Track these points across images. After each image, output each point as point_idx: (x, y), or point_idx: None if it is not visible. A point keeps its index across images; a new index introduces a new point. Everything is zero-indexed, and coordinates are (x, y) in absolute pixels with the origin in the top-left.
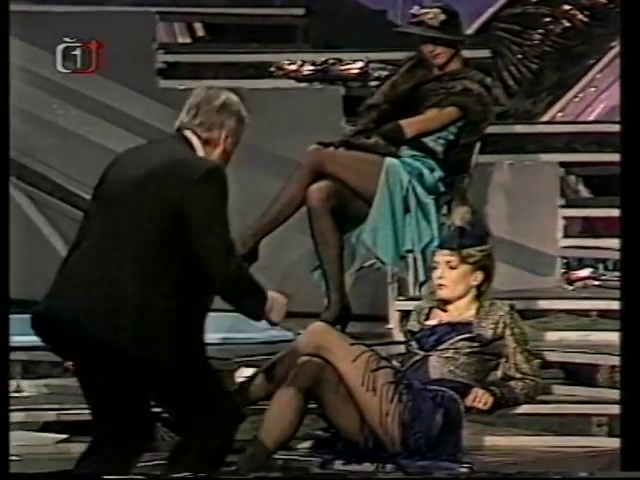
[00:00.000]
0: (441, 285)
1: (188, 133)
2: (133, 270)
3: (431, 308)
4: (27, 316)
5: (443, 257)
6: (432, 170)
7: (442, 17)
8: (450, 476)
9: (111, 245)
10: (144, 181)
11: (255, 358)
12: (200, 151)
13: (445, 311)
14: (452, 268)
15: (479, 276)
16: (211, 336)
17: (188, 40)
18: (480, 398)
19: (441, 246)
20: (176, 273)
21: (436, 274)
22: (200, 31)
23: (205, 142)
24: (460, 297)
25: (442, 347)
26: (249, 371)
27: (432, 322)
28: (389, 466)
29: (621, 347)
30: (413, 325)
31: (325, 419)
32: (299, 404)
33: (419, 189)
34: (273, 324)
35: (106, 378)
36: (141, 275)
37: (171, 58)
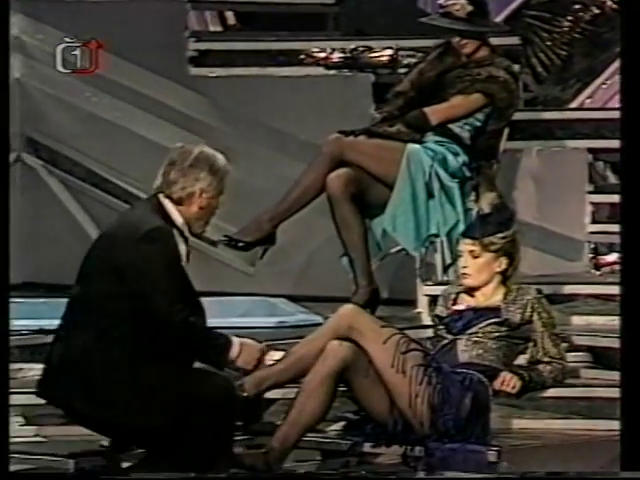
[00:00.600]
0: (465, 274)
1: (161, 196)
2: (96, 330)
3: (458, 293)
4: (59, 300)
5: (466, 246)
6: (456, 155)
7: (469, 8)
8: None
9: (80, 312)
10: (101, 245)
11: (284, 341)
12: (173, 212)
13: (472, 296)
14: (475, 257)
15: (503, 262)
16: (240, 320)
17: (219, 28)
18: (508, 382)
19: (464, 235)
20: (131, 328)
21: (460, 263)
22: (231, 19)
23: (178, 202)
24: (485, 284)
25: (470, 331)
26: (278, 354)
27: (459, 307)
28: (417, 449)
29: (621, 333)
30: (441, 310)
31: (355, 401)
32: (329, 388)
33: (442, 173)
34: (244, 370)
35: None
36: (102, 332)
37: (202, 46)
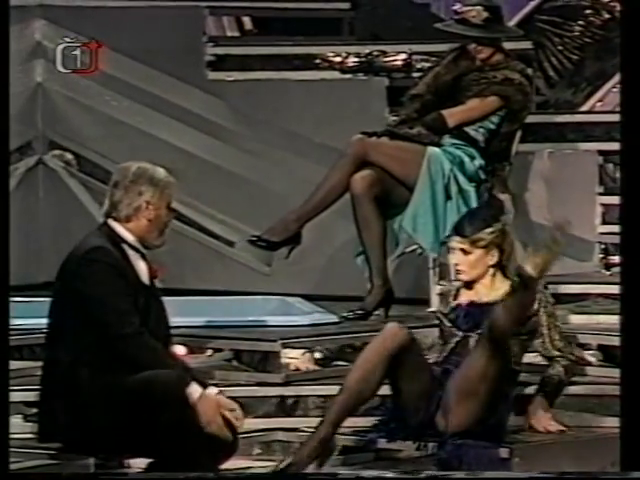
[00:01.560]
0: (459, 270)
1: (109, 220)
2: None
3: (458, 289)
4: None
5: (457, 244)
6: (473, 158)
7: (484, 15)
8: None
9: (50, 344)
10: (57, 275)
11: (299, 340)
12: (122, 232)
13: (471, 289)
14: (466, 253)
15: (495, 255)
16: (258, 318)
17: (237, 33)
18: (551, 428)
19: (455, 233)
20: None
21: (453, 260)
22: (248, 24)
23: (126, 220)
24: (481, 277)
25: (480, 330)
26: (293, 353)
27: (461, 301)
28: (431, 444)
29: (621, 330)
30: (442, 307)
31: (390, 385)
32: (384, 367)
33: (460, 177)
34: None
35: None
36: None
37: (220, 51)
